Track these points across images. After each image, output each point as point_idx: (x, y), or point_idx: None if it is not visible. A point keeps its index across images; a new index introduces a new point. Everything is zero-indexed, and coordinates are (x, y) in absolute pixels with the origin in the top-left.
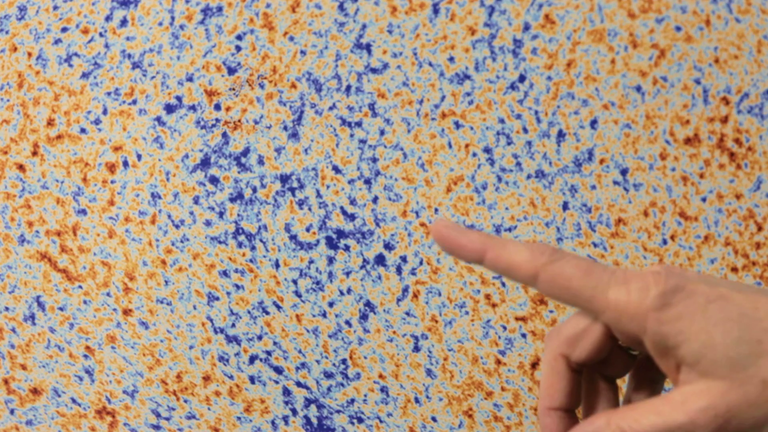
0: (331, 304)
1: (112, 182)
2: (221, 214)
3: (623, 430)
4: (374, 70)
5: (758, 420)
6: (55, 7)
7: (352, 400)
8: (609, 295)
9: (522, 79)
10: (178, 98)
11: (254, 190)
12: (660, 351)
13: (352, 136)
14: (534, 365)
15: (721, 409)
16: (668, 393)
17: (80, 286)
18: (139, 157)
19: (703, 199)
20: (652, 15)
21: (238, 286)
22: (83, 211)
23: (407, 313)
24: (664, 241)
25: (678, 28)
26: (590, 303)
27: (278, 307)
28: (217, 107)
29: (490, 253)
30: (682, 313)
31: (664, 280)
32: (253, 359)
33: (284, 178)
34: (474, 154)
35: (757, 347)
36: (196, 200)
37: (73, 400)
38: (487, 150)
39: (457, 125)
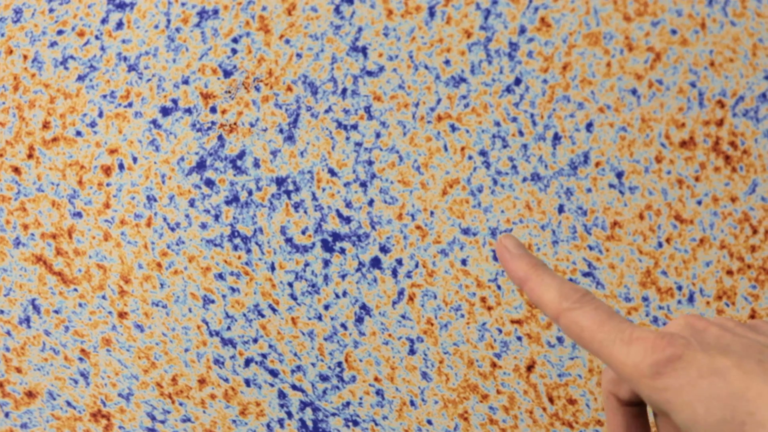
0: (326, 307)
1: (108, 185)
2: (217, 217)
3: None
4: (370, 73)
5: None
6: (51, 10)
7: (348, 403)
8: (612, 352)
9: (518, 82)
10: (174, 101)
11: (250, 192)
12: (656, 412)
13: (347, 138)
14: (529, 368)
15: None
16: None
17: (75, 289)
18: (134, 159)
19: (699, 202)
20: (647, 18)
21: (233, 289)
22: (79, 214)
23: (403, 316)
24: (660, 244)
25: (673, 32)
26: (598, 355)
27: (274, 310)
28: (213, 110)
29: (528, 285)
30: (671, 384)
31: (663, 348)
32: (248, 362)
33: (280, 181)
34: (470, 157)
35: (740, 429)
36: (191, 203)
37: (68, 403)
38: (482, 153)
39: (453, 128)
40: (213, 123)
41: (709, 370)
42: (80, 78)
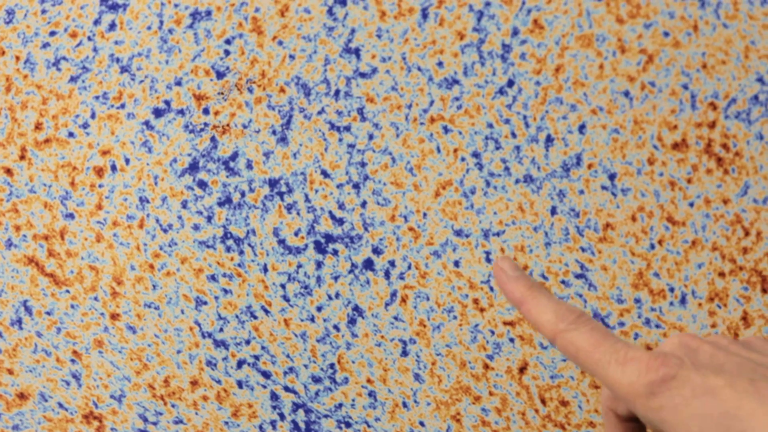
0: (319, 309)
1: (100, 186)
2: (209, 219)
3: None
4: (363, 75)
5: None
6: (44, 11)
7: (340, 405)
8: (608, 372)
9: (510, 83)
10: (167, 102)
11: (243, 194)
12: (652, 430)
13: (340, 140)
14: (522, 370)
15: None
16: None
17: (68, 291)
18: (127, 161)
19: (691, 204)
20: (640, 20)
21: (226, 291)
22: (71, 215)
23: (395, 318)
24: (652, 246)
25: (666, 34)
26: (595, 375)
27: (266, 312)
28: (206, 111)
29: (524, 307)
30: (666, 404)
31: (656, 369)
32: (240, 364)
33: (273, 183)
34: (462, 159)
35: None
36: (184, 204)
37: (60, 405)
38: (475, 154)
39: (446, 130)
40: (206, 124)
41: (703, 390)
42: (73, 79)
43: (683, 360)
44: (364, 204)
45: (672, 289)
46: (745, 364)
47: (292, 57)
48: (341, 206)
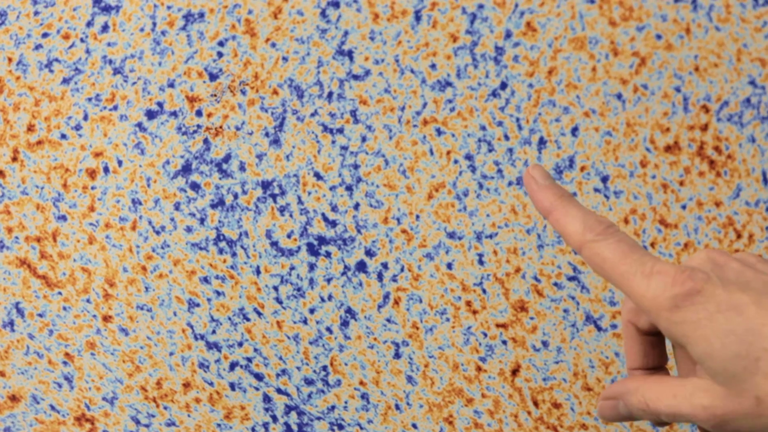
0: (312, 311)
1: (93, 188)
2: (202, 221)
3: (646, 402)
4: (356, 77)
5: (753, 429)
6: (36, 13)
7: (333, 407)
8: (633, 285)
9: (503, 86)
10: (160, 104)
11: (235, 196)
12: (673, 344)
13: (333, 142)
14: (514, 372)
15: (718, 411)
16: (686, 379)
17: (60, 293)
18: (119, 163)
19: (683, 207)
20: (632, 23)
21: (218, 293)
22: (63, 217)
23: (388, 320)
24: (645, 248)
25: (658, 36)
26: (620, 286)
27: (259, 314)
28: (199, 113)
29: (553, 216)
30: (689, 318)
31: (682, 282)
32: (233, 366)
33: (265, 185)
34: (455, 161)
35: (754, 365)
36: (176, 206)
37: (52, 407)
38: (468, 157)
39: (439, 132)
40: (199, 126)
41: (727, 306)
42: (65, 81)
43: (710, 275)
44: (356, 206)
45: None
46: None
47: (285, 59)
48: (334, 208)
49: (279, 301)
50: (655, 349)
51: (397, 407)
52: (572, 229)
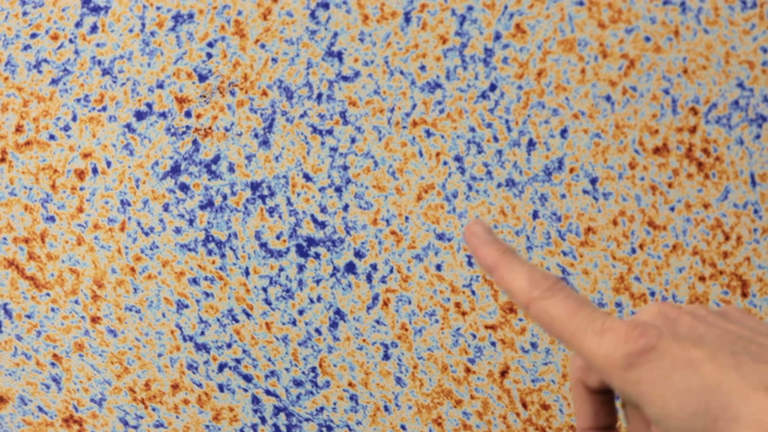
0: (300, 312)
1: (81, 189)
2: (191, 222)
3: None
4: (345, 78)
5: None
6: (25, 13)
7: (322, 409)
8: (584, 343)
9: (493, 88)
10: (149, 105)
11: (224, 197)
12: (625, 402)
13: (323, 143)
14: (503, 373)
15: None
16: None
17: (48, 294)
18: (108, 164)
19: (672, 209)
20: (621, 25)
21: (207, 294)
22: (52, 218)
23: (377, 321)
24: (633, 250)
25: (647, 39)
26: (570, 344)
27: (248, 315)
28: (188, 114)
29: (497, 272)
30: (644, 377)
31: (635, 339)
32: (222, 367)
33: (255, 186)
34: (445, 163)
35: (712, 425)
36: (165, 207)
37: (40, 409)
38: (457, 158)
39: (428, 133)
40: (188, 127)
41: (682, 362)
42: (54, 81)
43: (662, 330)
44: (346, 207)
45: (653, 293)
46: (726, 336)
47: (274, 60)
48: (323, 210)
49: (268, 302)
50: (605, 408)
51: (386, 408)
52: (518, 286)
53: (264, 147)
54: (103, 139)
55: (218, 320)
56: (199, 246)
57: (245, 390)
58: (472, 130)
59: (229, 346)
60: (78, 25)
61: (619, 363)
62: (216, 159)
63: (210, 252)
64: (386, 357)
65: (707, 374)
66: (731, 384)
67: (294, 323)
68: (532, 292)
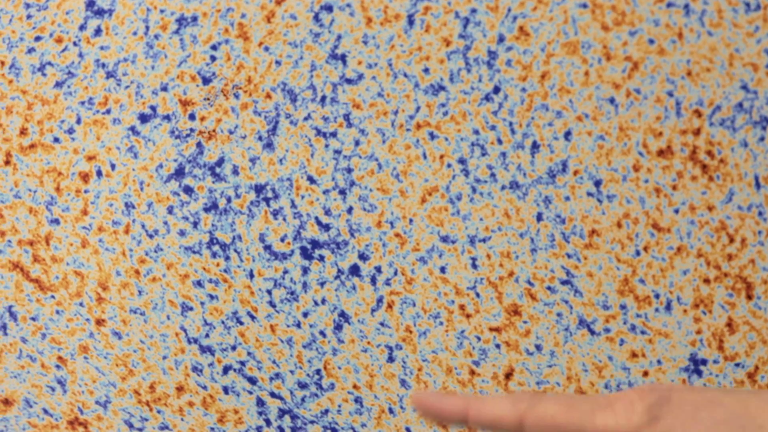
0: (305, 315)
1: (86, 192)
2: (195, 224)
3: None
4: (349, 81)
5: None
6: (29, 16)
7: (326, 411)
8: (596, 423)
9: (496, 90)
10: (153, 108)
11: (229, 200)
12: None
13: (327, 146)
14: (508, 376)
15: None
16: None
17: (53, 296)
18: (113, 166)
19: (676, 211)
20: (625, 28)
21: (212, 296)
22: (56, 221)
23: (382, 324)
24: (637, 252)
25: (651, 41)
26: (581, 431)
27: (252, 318)
28: (192, 117)
29: (472, 411)
30: (673, 424)
31: (648, 395)
32: (226, 369)
33: (259, 188)
34: (449, 165)
35: None
36: (170, 210)
37: (45, 411)
38: (461, 161)
39: (432, 136)
40: (192, 130)
41: (703, 402)
42: (58, 84)
43: (669, 385)
44: (350, 210)
45: (657, 296)
46: (717, 388)
47: (278, 63)
48: (327, 212)
49: (272, 304)
50: None
51: (391, 411)
52: (501, 410)
53: (268, 149)
54: (107, 141)
55: (223, 322)
56: (203, 248)
57: (250, 392)
58: (476, 132)
59: (233, 348)
60: (82, 28)
61: (643, 421)
62: (220, 161)
63: (214, 254)
64: (391, 359)
65: (731, 406)
66: (757, 408)
67: (298, 325)
68: (520, 407)
